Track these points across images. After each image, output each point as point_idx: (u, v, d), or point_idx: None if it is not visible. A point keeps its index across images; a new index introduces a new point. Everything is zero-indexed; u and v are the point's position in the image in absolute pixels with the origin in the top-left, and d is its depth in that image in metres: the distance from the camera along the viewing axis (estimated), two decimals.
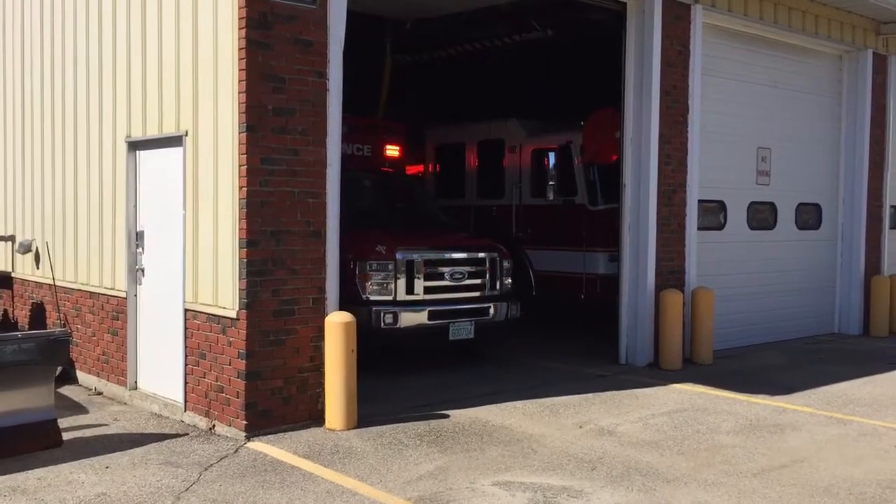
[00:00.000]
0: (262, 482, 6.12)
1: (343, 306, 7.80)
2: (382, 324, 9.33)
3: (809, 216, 13.40)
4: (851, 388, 9.53)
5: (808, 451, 7.05)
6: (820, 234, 13.55)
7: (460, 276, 9.97)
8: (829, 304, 13.70)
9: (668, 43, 10.56)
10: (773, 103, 12.57)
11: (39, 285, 10.39)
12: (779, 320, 12.72)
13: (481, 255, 10.27)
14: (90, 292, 9.42)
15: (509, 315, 10.30)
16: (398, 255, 9.62)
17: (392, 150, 13.26)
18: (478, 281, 10.14)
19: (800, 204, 13.19)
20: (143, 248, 8.68)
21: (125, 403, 8.70)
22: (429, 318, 9.63)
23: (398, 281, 9.57)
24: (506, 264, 10.44)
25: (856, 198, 13.62)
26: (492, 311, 10.14)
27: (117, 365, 9.02)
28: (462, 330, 9.81)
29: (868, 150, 13.56)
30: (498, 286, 10.30)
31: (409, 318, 9.50)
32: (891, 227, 14.30)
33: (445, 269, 9.92)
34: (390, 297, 9.52)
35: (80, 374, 9.67)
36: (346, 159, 11.72)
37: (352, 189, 11.26)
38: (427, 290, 9.76)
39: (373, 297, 9.46)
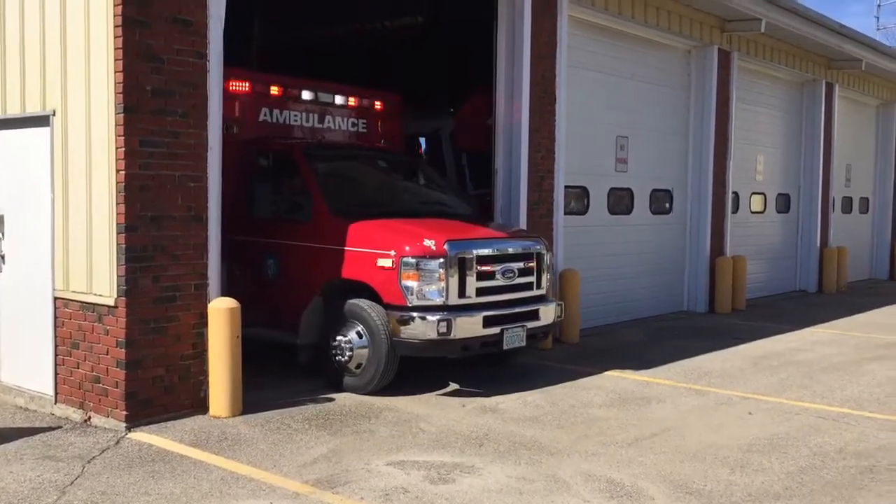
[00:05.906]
0: (152, 472, 5.98)
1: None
2: (436, 334, 7.90)
3: (662, 201, 14.24)
4: (705, 361, 10.27)
5: (675, 420, 7.59)
6: (671, 218, 14.42)
7: (512, 275, 8.59)
8: (679, 283, 14.63)
9: (538, 34, 10.93)
10: (631, 94, 13.26)
11: None
12: (635, 299, 13.49)
13: (532, 248, 8.95)
14: None
15: (556, 318, 9.16)
16: (450, 251, 8.09)
17: (390, 125, 11.44)
18: (528, 279, 8.80)
19: (653, 190, 13.98)
20: (2, 234, 8.19)
21: None
22: (483, 325, 8.23)
23: (450, 281, 8.06)
24: (549, 258, 9.28)
25: (702, 185, 14.57)
26: (541, 314, 8.86)
27: None
28: (515, 338, 8.45)
29: (714, 141, 14.53)
30: (543, 284, 9.05)
31: (463, 326, 8.03)
32: (733, 212, 15.42)
33: (498, 267, 8.46)
34: (441, 302, 8.03)
35: None
36: (345, 136, 10.81)
37: (366, 171, 10.24)
38: (479, 291, 8.33)
39: (418, 302, 7.97)
